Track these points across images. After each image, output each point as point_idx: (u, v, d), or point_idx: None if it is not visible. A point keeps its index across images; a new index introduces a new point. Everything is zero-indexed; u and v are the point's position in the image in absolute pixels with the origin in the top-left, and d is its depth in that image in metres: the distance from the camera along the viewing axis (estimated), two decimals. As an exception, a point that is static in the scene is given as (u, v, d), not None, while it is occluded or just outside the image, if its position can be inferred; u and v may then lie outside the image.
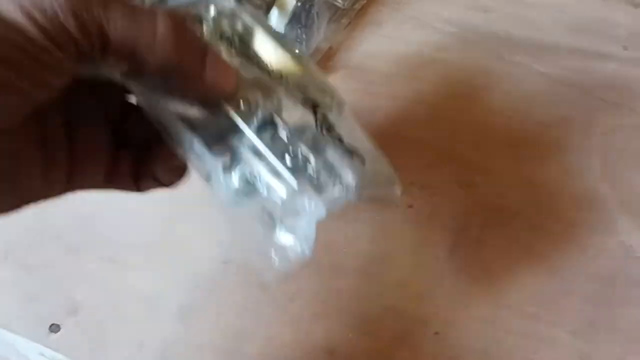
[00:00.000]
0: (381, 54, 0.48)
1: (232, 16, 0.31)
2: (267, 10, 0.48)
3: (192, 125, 0.27)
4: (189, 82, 0.24)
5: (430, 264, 0.38)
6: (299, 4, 0.47)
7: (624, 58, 0.48)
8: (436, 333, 0.35)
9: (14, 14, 0.21)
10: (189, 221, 0.39)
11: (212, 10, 0.30)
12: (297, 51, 0.31)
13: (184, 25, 0.24)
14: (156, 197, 0.39)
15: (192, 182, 0.40)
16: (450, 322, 0.36)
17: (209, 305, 0.36)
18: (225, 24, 0.30)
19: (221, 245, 0.35)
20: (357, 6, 0.52)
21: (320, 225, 0.39)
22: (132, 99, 0.28)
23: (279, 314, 0.36)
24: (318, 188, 0.29)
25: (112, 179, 0.28)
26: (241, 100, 0.27)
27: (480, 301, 0.36)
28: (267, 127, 0.28)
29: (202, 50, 0.24)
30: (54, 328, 0.35)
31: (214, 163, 0.28)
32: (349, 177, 0.29)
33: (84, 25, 0.22)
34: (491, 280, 0.37)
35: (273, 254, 0.28)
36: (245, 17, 0.31)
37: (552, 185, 0.41)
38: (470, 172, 0.42)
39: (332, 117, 0.29)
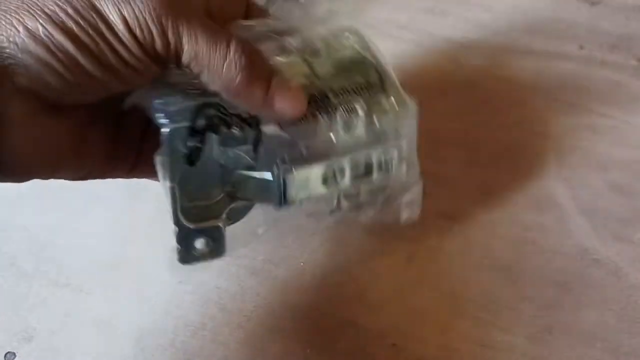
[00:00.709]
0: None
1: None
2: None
3: None
4: (251, 104, 0.28)
5: (388, 274, 0.38)
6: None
7: (580, 57, 0.49)
8: (393, 345, 0.35)
9: (108, 6, 0.24)
10: (142, 243, 0.38)
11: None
12: None
13: (254, 53, 0.28)
14: (109, 220, 0.39)
15: (144, 204, 0.40)
16: (407, 333, 0.36)
17: (165, 327, 0.36)
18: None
19: (175, 265, 0.35)
20: (314, 15, 0.51)
21: (279, 240, 0.39)
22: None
23: (236, 332, 0.36)
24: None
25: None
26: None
27: (437, 310, 0.36)
28: None
29: (267, 78, 0.28)
30: (9, 356, 0.35)
31: None
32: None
33: (165, 33, 0.25)
34: (448, 288, 0.37)
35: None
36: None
37: (506, 189, 0.41)
38: (426, 179, 0.42)
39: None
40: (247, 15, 0.32)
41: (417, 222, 0.39)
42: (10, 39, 0.24)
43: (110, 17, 0.24)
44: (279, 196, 0.31)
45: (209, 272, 0.38)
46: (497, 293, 0.37)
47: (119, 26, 0.25)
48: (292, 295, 0.37)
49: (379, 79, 0.36)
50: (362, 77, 0.35)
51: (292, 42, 0.33)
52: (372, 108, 0.33)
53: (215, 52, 0.26)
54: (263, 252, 0.38)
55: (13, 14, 0.24)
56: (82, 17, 0.24)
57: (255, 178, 0.31)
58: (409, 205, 0.36)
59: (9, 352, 0.35)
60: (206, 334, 0.36)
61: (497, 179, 0.42)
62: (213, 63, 0.26)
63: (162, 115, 0.28)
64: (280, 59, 0.32)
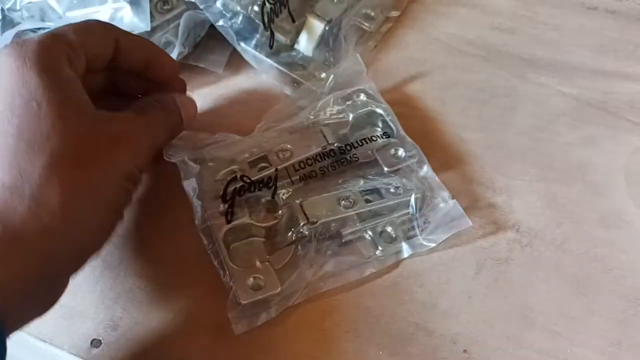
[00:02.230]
0: (408, 76, 0.50)
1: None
2: (296, 35, 0.49)
3: None
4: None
5: (458, 282, 0.39)
6: (327, 28, 0.49)
7: (648, 78, 0.49)
8: (464, 351, 0.36)
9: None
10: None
11: None
12: None
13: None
14: (190, 217, 0.41)
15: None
16: (477, 340, 0.36)
17: (243, 322, 0.37)
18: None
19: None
20: (384, 29, 0.53)
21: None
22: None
23: (310, 330, 0.37)
24: None
25: None
26: None
27: (506, 319, 0.37)
28: None
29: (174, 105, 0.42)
30: (96, 343, 0.37)
31: None
32: None
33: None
34: (518, 299, 0.38)
35: None
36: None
37: (577, 205, 0.42)
38: (494, 192, 0.43)
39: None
40: (117, 54, 0.38)
41: (487, 233, 0.41)
42: None
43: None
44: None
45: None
46: (567, 306, 0.38)
47: None
48: (364, 299, 0.38)
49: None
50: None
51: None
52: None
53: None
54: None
55: None
56: None
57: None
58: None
59: (95, 339, 0.37)
60: (282, 331, 0.37)
61: (566, 195, 0.42)
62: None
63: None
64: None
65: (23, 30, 0.46)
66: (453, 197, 0.40)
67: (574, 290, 0.38)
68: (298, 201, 0.39)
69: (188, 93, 0.46)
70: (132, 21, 0.45)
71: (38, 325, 0.37)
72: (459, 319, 0.37)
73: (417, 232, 0.40)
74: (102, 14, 0.45)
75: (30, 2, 0.46)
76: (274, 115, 0.45)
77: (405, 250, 0.39)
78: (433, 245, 0.39)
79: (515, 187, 0.43)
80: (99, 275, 0.39)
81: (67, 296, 0.38)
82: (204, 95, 0.49)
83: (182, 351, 0.36)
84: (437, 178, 0.42)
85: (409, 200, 0.40)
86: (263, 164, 0.42)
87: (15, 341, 0.38)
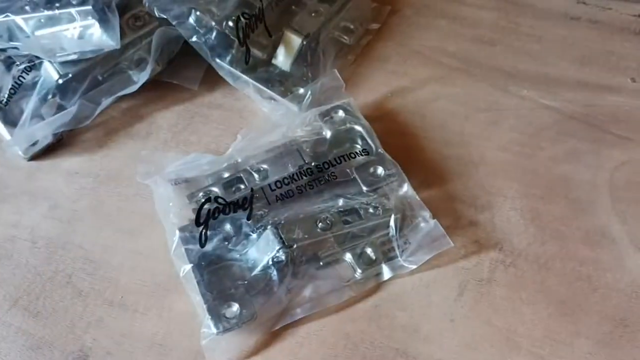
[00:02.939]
0: (388, 90, 0.49)
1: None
2: (273, 50, 0.48)
3: None
4: None
5: (440, 305, 0.38)
6: (304, 42, 0.48)
7: (632, 90, 0.48)
8: (447, 377, 0.35)
9: None
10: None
11: None
12: None
13: None
14: (162, 242, 0.39)
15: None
16: (460, 365, 0.35)
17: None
18: None
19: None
20: (364, 42, 0.52)
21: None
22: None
23: (288, 358, 0.36)
24: None
25: None
26: None
27: (490, 343, 0.36)
28: None
29: None
30: (65, 375, 0.35)
31: None
32: None
33: None
34: (501, 322, 0.37)
35: None
36: None
37: (561, 223, 0.41)
38: (476, 210, 0.42)
39: None
40: None
41: (469, 252, 0.39)
42: None
43: None
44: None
45: (261, 297, 0.38)
46: (552, 328, 0.37)
47: None
48: (344, 325, 0.37)
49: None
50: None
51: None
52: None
53: None
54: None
55: None
56: None
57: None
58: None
59: (64, 371, 0.36)
60: (258, 358, 0.36)
61: (550, 211, 0.41)
62: None
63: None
64: None
65: (-8, 50, 0.45)
66: (434, 217, 0.39)
67: (559, 311, 0.37)
68: (274, 224, 0.38)
69: (163, 110, 0.45)
70: (101, 38, 0.43)
71: (4, 355, 0.36)
72: (442, 344, 0.36)
73: (398, 253, 0.38)
74: (70, 32, 0.44)
75: (-4, 22, 0.45)
76: (249, 132, 0.44)
77: (386, 272, 0.38)
78: (414, 267, 0.38)
79: (497, 204, 0.42)
80: (68, 304, 0.38)
81: (35, 325, 0.37)
82: (178, 112, 0.48)
83: (154, 383, 0.35)
84: (417, 197, 0.40)
85: (389, 220, 0.39)
86: (239, 185, 0.41)
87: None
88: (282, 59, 0.48)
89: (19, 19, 0.44)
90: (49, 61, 0.44)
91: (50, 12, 0.44)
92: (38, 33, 0.44)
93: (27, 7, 0.44)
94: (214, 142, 0.46)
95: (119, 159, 0.45)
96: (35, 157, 0.45)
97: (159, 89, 0.48)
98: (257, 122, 0.46)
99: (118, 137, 0.46)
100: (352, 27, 0.52)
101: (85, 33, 0.44)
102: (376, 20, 0.53)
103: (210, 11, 0.46)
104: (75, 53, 0.44)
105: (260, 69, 0.48)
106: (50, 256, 0.40)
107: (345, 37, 0.51)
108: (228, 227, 0.39)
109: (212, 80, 0.49)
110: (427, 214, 0.40)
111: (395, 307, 0.38)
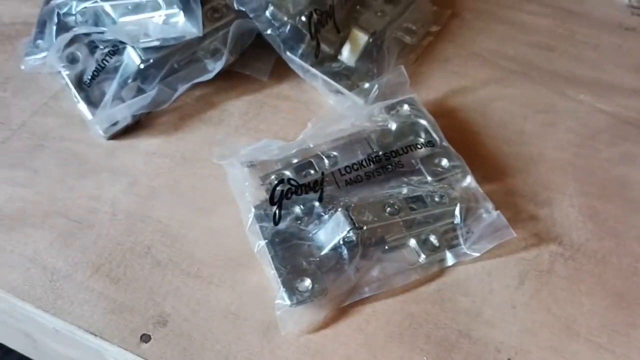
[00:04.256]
0: (449, 89, 0.51)
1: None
2: (340, 46, 0.51)
3: None
4: None
5: (501, 292, 0.39)
6: (371, 40, 0.50)
7: (687, 99, 0.50)
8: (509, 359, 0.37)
9: None
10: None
11: None
12: None
13: None
14: (236, 219, 0.42)
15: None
16: (521, 350, 0.37)
17: (289, 323, 0.38)
18: None
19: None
20: (425, 43, 0.54)
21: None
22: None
23: (355, 333, 0.38)
24: None
25: None
26: None
27: (550, 330, 0.38)
28: None
29: None
30: (145, 338, 0.38)
31: None
32: None
33: None
34: (560, 311, 0.38)
35: None
36: None
37: (618, 221, 0.42)
38: (536, 205, 0.43)
39: None
40: None
41: (530, 245, 0.41)
42: None
43: None
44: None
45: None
46: (609, 319, 0.38)
47: None
48: (409, 305, 0.39)
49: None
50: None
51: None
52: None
53: None
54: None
55: None
56: None
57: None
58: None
59: (144, 334, 0.38)
60: (328, 333, 0.38)
61: (606, 209, 0.43)
62: None
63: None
64: None
65: (77, 35, 0.48)
66: (496, 209, 0.41)
67: (615, 303, 0.39)
68: (344, 206, 0.40)
69: (234, 99, 0.48)
70: (185, 26, 0.46)
71: (87, 318, 0.38)
72: (503, 328, 0.38)
73: (461, 241, 0.40)
74: (155, 19, 0.46)
75: (85, 7, 0.47)
76: (319, 122, 0.46)
77: (449, 258, 0.40)
78: (477, 254, 0.40)
79: (556, 200, 0.43)
80: (147, 273, 0.40)
81: (116, 291, 0.39)
82: (249, 101, 0.50)
83: (229, 349, 0.37)
84: (480, 189, 0.42)
85: (454, 209, 0.41)
86: (309, 169, 0.43)
87: (63, 334, 0.39)
88: (348, 55, 0.51)
89: (107, 5, 0.47)
90: (132, 46, 0.47)
91: (136, 0, 0.46)
92: (123, 19, 0.47)
93: (113, -6, 0.47)
94: (282, 130, 0.48)
95: (193, 142, 0.47)
96: (114, 137, 0.48)
97: (231, 79, 0.51)
98: (325, 113, 0.48)
99: (192, 122, 0.49)
100: (414, 28, 0.54)
101: (169, 21, 0.46)
102: (437, 22, 0.55)
103: (284, 6, 0.48)
104: (158, 40, 0.46)
105: (327, 63, 0.50)
106: (129, 228, 0.42)
107: (407, 37, 0.53)
108: (300, 207, 0.41)
109: (280, 72, 0.51)
110: (490, 205, 0.41)
111: (458, 292, 0.39)
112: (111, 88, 0.47)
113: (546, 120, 0.49)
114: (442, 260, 0.40)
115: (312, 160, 0.43)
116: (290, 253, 0.39)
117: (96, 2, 0.47)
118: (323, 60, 0.50)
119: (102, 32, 0.47)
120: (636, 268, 0.40)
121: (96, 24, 0.48)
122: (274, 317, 0.37)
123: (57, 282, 0.40)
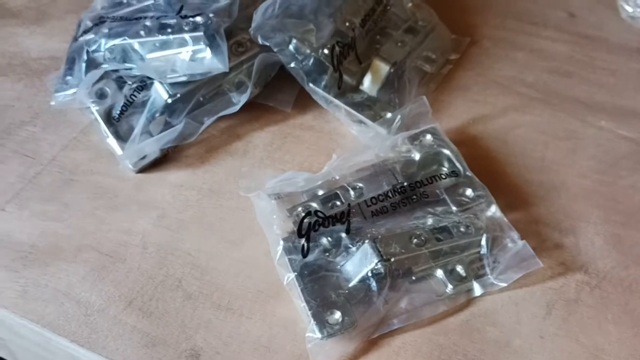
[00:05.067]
0: (469, 117, 0.51)
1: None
2: (361, 77, 0.51)
3: None
4: None
5: (529, 322, 0.40)
6: (392, 70, 0.51)
7: None
8: (538, 390, 0.37)
9: None
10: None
11: None
12: None
13: None
14: (264, 251, 0.42)
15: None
16: (551, 380, 0.37)
17: (319, 355, 0.38)
18: None
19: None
20: (444, 71, 0.55)
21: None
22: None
23: (385, 365, 0.38)
24: None
25: None
26: None
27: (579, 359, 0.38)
28: None
29: None
30: (178, 372, 0.38)
31: None
32: None
33: None
34: (588, 339, 0.39)
35: None
36: None
37: (642, 248, 0.43)
38: (561, 233, 0.44)
39: None
40: None
41: (556, 274, 0.41)
42: None
43: None
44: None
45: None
46: (637, 347, 0.38)
47: None
48: (438, 336, 0.39)
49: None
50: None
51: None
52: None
53: None
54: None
55: None
56: None
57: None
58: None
59: (177, 368, 0.38)
60: (358, 366, 0.38)
61: (632, 237, 0.43)
62: None
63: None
64: None
65: (106, 71, 0.49)
66: (522, 238, 0.41)
67: (644, 332, 0.39)
68: (372, 237, 0.41)
69: (258, 130, 0.49)
70: (212, 62, 0.47)
71: (122, 352, 0.39)
72: (532, 359, 0.38)
73: (488, 271, 0.41)
74: (182, 55, 0.48)
75: (114, 45, 0.49)
76: (343, 153, 0.47)
77: (477, 289, 0.40)
78: (504, 284, 0.40)
79: (580, 228, 0.44)
80: (179, 306, 0.41)
81: (149, 325, 0.40)
82: (273, 132, 0.51)
83: (261, 382, 0.38)
84: (505, 218, 0.43)
85: (480, 239, 0.41)
86: (335, 201, 0.44)
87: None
88: (369, 85, 0.51)
89: (135, 43, 0.48)
90: (160, 82, 0.48)
91: (164, 37, 0.48)
92: (151, 56, 0.48)
93: (141, 32, 0.48)
94: (307, 161, 0.49)
95: (219, 174, 0.48)
96: (143, 170, 0.49)
97: (255, 110, 0.52)
98: (348, 143, 0.49)
99: (218, 154, 0.50)
100: (433, 56, 0.55)
101: (196, 57, 0.47)
102: (456, 50, 0.56)
103: (307, 40, 0.49)
104: (185, 75, 0.47)
105: (349, 94, 0.51)
106: (160, 261, 0.43)
107: (427, 66, 0.54)
108: (327, 239, 0.41)
109: (303, 103, 0.52)
110: (515, 235, 0.42)
111: (486, 323, 0.40)
112: (140, 122, 0.48)
113: (567, 147, 0.49)
114: (469, 290, 0.41)
115: (338, 191, 0.44)
116: (319, 285, 0.40)
117: (125, 39, 0.48)
118: (345, 91, 0.51)
119: (129, 69, 0.49)
120: (663, 296, 0.40)
121: (124, 61, 0.49)
122: (304, 349, 0.38)
123: (91, 316, 0.41)
